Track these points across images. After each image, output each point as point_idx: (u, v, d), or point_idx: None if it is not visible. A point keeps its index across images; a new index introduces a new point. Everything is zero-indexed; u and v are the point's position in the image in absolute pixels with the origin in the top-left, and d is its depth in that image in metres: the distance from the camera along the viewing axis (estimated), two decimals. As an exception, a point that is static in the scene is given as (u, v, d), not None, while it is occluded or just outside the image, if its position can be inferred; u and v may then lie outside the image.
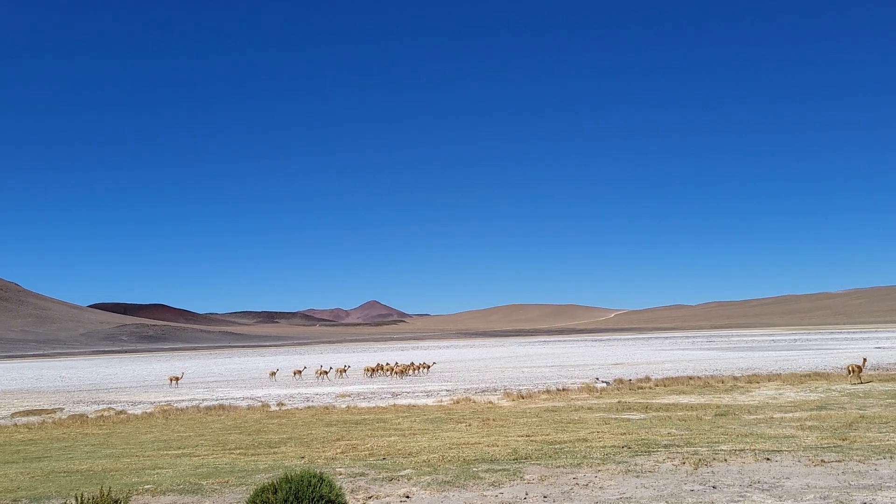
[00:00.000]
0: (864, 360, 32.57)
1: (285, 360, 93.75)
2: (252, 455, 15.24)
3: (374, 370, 47.32)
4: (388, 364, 50.44)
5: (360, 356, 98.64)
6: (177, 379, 45.58)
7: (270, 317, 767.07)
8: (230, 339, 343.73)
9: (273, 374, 50.17)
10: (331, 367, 51.16)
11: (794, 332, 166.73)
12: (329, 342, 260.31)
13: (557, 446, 14.54)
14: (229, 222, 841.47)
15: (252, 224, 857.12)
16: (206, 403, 30.20)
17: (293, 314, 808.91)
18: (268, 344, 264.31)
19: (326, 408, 25.84)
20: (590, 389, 28.65)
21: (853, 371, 28.57)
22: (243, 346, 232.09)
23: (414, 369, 47.30)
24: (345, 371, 49.26)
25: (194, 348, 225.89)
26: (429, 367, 49.08)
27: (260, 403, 29.01)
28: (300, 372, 49.40)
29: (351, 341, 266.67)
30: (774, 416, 18.78)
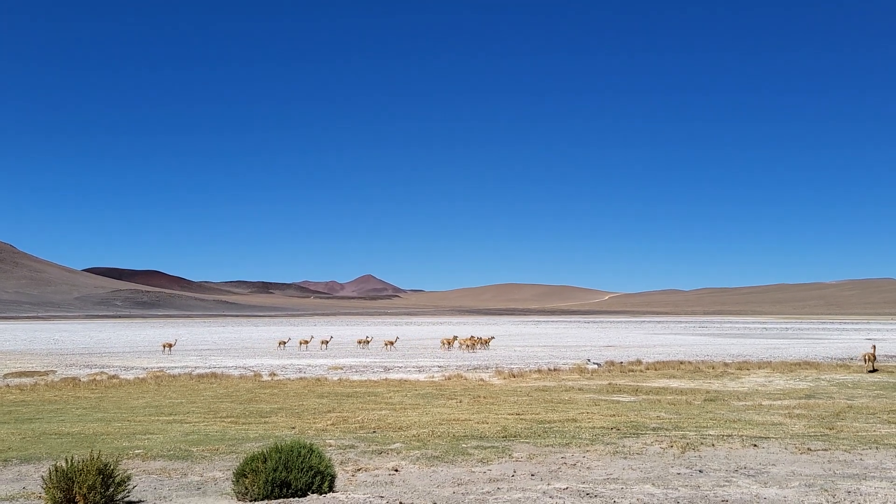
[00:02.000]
0: (874, 346, 32.83)
1: (278, 330, 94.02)
2: (243, 424, 15.30)
3: (450, 342, 48.94)
4: (461, 337, 51.43)
5: (354, 329, 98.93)
6: (170, 346, 45.66)
7: (265, 287, 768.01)
8: (224, 308, 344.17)
9: (283, 343, 50.11)
10: (312, 338, 51.92)
11: (785, 321, 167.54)
12: (323, 314, 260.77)
13: (547, 425, 14.62)
14: (227, 191, 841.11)
15: (250, 194, 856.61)
16: (198, 371, 30.28)
17: (288, 285, 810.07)
18: (262, 314, 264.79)
19: (318, 379, 25.92)
20: (581, 370, 28.78)
21: (869, 359, 29.10)
22: (237, 316, 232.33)
23: (482, 343, 47.75)
24: (327, 343, 50.09)
25: (188, 316, 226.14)
26: (487, 341, 49.12)
27: (252, 373, 29.09)
28: (307, 343, 50.12)
29: (345, 314, 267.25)
30: (763, 403, 18.90)
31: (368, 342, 50.05)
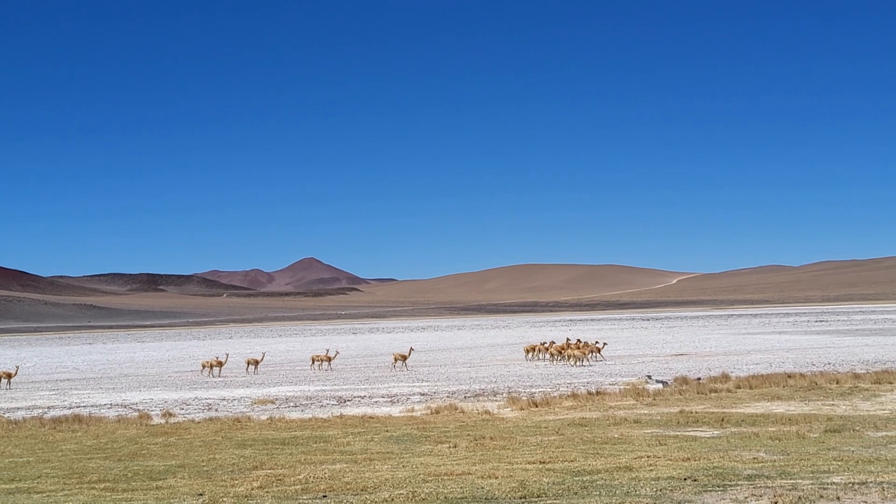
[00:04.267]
0: None
1: (175, 346, 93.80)
2: (124, 491, 15.29)
3: (544, 351, 51.47)
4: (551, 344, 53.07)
5: (290, 342, 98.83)
6: (9, 376, 45.51)
7: (152, 282, 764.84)
8: (91, 316, 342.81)
9: (213, 366, 49.26)
10: (227, 357, 51.45)
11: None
12: (243, 321, 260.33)
13: (587, 478, 14.69)
14: (88, 151, 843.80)
15: (125, 151, 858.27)
16: (53, 413, 30.19)
17: (187, 279, 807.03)
18: (149, 323, 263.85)
19: (238, 420, 25.89)
20: (638, 393, 28.92)
21: None
22: (111, 327, 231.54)
23: (590, 350, 49.20)
24: (258, 363, 49.94)
25: (35, 329, 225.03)
26: (599, 349, 50.32)
27: (137, 413, 29.05)
28: (219, 365, 49.36)
29: (277, 319, 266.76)
30: (913, 432, 19.07)
31: (330, 360, 49.95)
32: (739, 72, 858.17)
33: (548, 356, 50.80)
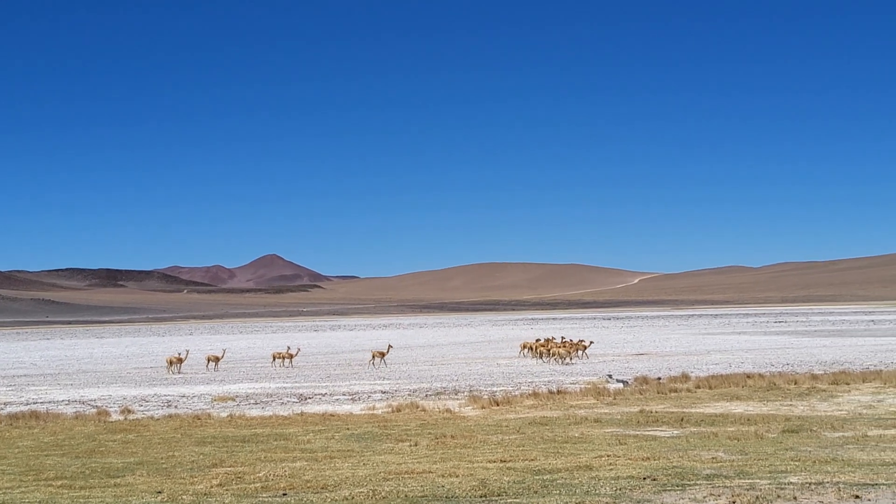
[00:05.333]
0: None
1: (135, 342, 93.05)
2: (82, 489, 15.17)
3: (538, 349, 51.16)
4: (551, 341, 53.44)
5: (251, 339, 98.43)
6: (-35, 372, 44.99)
7: (112, 277, 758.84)
8: (49, 311, 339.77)
9: (173, 362, 48.93)
10: (187, 353, 50.80)
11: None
12: (203, 317, 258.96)
13: (547, 477, 14.74)
14: (46, 144, 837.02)
15: (84, 144, 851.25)
16: (10, 409, 29.86)
17: (147, 274, 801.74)
18: (108, 319, 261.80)
19: (198, 417, 25.75)
20: (598, 392, 29.03)
21: None
22: (69, 323, 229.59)
23: (576, 349, 49.75)
24: (218, 360, 49.55)
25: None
26: (585, 347, 50.61)
27: (95, 410, 28.81)
28: (179, 361, 48.95)
29: (238, 316, 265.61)
30: (869, 432, 19.28)
31: (292, 357, 49.77)
32: (692, 73, 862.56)
33: (536, 353, 51.08)
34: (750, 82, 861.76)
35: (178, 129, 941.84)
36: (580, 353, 49.73)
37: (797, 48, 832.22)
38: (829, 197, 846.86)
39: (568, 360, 47.18)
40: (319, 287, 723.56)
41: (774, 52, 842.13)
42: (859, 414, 22.92)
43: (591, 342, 52.61)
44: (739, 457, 16.38)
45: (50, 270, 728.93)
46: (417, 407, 26.81)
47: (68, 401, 33.58)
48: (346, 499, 13.43)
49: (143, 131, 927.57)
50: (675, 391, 29.27)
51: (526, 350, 53.19)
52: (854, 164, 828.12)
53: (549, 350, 49.60)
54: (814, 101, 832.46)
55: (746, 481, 13.95)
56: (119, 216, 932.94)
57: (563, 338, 53.96)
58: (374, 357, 49.16)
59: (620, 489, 13.57)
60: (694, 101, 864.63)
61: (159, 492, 14.61)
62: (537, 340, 55.06)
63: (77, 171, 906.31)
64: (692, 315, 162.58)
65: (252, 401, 31.57)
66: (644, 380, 32.90)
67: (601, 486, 13.81)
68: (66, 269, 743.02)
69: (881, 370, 34.67)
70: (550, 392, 29.61)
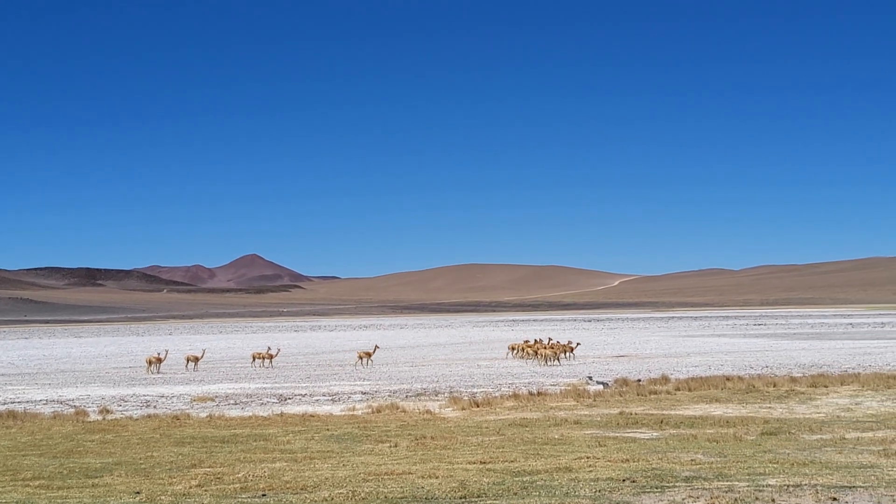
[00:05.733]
0: None
1: (114, 342, 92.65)
2: (60, 489, 15.10)
3: (524, 349, 51.67)
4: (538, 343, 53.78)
5: (231, 339, 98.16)
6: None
7: (91, 276, 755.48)
8: (27, 310, 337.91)
9: (152, 361, 48.69)
10: (166, 353, 50.52)
11: (882, 311, 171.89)
12: (183, 317, 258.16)
13: (527, 479, 14.76)
14: (25, 142, 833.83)
15: (63, 142, 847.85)
16: (-13, 409, 29.71)
17: (127, 273, 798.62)
18: (87, 318, 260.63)
19: (177, 417, 25.67)
20: (578, 394, 29.09)
21: None
22: (47, 322, 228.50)
23: (564, 351, 50.04)
24: (198, 360, 49.32)
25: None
26: (573, 349, 50.86)
27: (73, 410, 28.67)
28: (159, 361, 48.71)
29: (218, 316, 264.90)
30: (847, 435, 19.38)
31: (272, 357, 49.75)
32: (667, 75, 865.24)
33: (526, 354, 51.28)
34: (725, 85, 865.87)
35: (158, 128, 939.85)
36: (568, 354, 49.89)
37: (782, 49, 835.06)
38: (810, 200, 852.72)
39: (555, 361, 47.28)
40: (300, 287, 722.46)
41: (753, 53, 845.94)
42: (837, 417, 23.04)
43: (579, 343, 52.83)
44: (718, 459, 16.44)
45: (28, 269, 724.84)
46: (398, 408, 26.81)
47: (46, 400, 33.41)
48: (326, 500, 13.42)
49: (123, 131, 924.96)
50: (655, 393, 29.35)
51: (514, 351, 53.29)
52: (834, 168, 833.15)
53: (535, 351, 49.81)
54: (794, 104, 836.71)
55: (725, 483, 14.01)
56: (99, 215, 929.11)
57: (549, 339, 54.20)
58: (360, 357, 49.33)
59: (600, 491, 13.60)
60: (675, 103, 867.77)
61: (137, 492, 14.55)
62: (525, 342, 55.21)
63: (56, 170, 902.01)
64: (672, 317, 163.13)
65: (232, 401, 31.48)
66: (624, 382, 32.99)
67: (581, 488, 13.84)
68: (45, 268, 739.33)
69: (859, 373, 34.86)
70: (531, 393, 29.65)
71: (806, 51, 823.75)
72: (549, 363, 46.78)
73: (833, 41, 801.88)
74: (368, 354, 49.32)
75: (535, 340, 55.03)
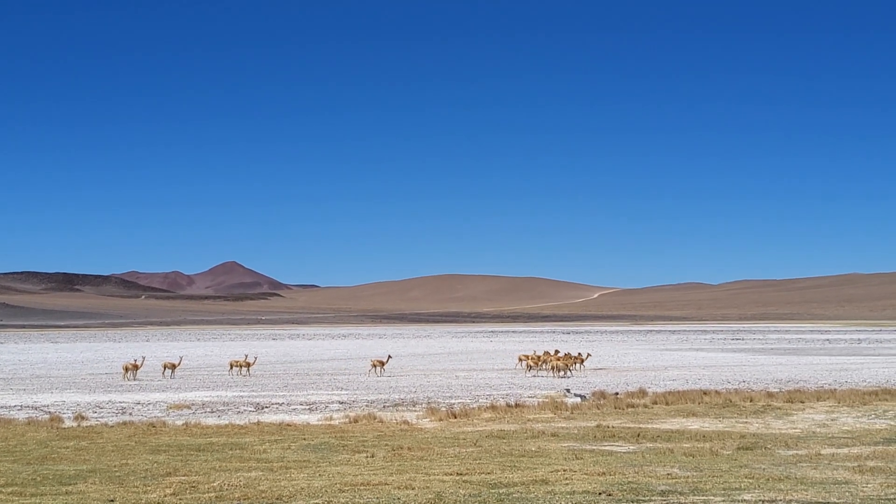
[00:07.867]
0: None
1: (90, 348, 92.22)
2: (33, 496, 15.02)
3: (536, 361, 51.50)
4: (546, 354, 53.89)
5: (208, 347, 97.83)
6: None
7: (69, 282, 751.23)
8: (3, 315, 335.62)
9: (129, 368, 48.17)
10: (143, 360, 50.07)
11: (859, 327, 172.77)
12: (161, 324, 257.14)
13: (503, 491, 14.77)
14: (1, 144, 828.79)
15: (40, 144, 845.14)
16: (-39, 414, 29.52)
17: (105, 279, 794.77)
18: (64, 324, 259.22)
19: (153, 425, 25.59)
20: (556, 406, 29.13)
21: None
22: (23, 327, 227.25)
23: (573, 362, 50.26)
24: (175, 367, 48.91)
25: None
26: (583, 360, 51.13)
27: (48, 416, 28.58)
28: (135, 368, 48.27)
29: (196, 323, 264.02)
30: (823, 451, 19.48)
31: (249, 365, 49.71)
32: (646, 86, 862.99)
33: (537, 366, 51.28)
34: (703, 98, 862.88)
35: (137, 133, 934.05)
36: (578, 366, 50.18)
37: (760, 61, 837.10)
38: (788, 216, 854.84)
39: (566, 373, 47.43)
40: (279, 295, 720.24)
41: (730, 64, 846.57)
42: (813, 432, 23.16)
43: (589, 355, 53.06)
44: (694, 473, 16.50)
45: (5, 273, 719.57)
46: (375, 418, 26.80)
47: (21, 406, 33.23)
48: (301, 510, 13.39)
49: (102, 135, 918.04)
50: (633, 406, 29.42)
51: (524, 362, 53.24)
52: (813, 184, 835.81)
53: (545, 362, 50.20)
54: (775, 119, 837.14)
55: (700, 498, 14.06)
56: (77, 219, 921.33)
57: (556, 351, 54.43)
58: (374, 366, 50.24)
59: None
60: (656, 116, 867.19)
61: (111, 500, 14.50)
62: (534, 353, 55.29)
63: (33, 173, 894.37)
64: (651, 331, 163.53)
65: (208, 409, 31.39)
66: (602, 394, 33.08)
67: (557, 501, 13.87)
68: (22, 273, 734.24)
69: (835, 389, 35.08)
70: (508, 405, 29.68)
71: (784, 65, 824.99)
72: (559, 374, 46.90)
73: (818, 56, 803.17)
74: (382, 363, 50.27)
75: (545, 352, 55.06)
